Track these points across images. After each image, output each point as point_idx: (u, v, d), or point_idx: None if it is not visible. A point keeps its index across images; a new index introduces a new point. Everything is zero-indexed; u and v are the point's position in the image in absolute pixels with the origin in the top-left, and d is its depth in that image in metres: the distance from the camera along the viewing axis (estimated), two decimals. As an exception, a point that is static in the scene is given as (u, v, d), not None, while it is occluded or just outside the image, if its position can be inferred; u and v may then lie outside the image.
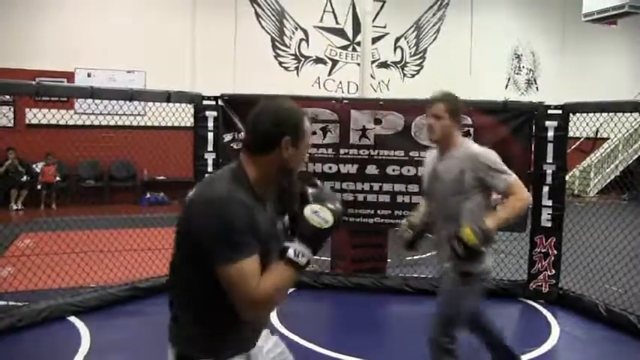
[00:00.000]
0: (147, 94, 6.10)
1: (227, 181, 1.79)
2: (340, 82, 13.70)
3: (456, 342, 3.29)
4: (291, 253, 1.76)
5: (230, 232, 1.69)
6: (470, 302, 3.33)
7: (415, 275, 6.32)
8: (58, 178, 11.27)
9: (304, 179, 1.93)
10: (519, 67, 16.32)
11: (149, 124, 6.46)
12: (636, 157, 16.05)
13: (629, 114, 5.52)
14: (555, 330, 5.07)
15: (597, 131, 6.78)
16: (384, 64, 14.25)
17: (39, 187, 11.12)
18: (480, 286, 3.32)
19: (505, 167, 3.17)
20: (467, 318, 3.37)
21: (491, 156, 3.19)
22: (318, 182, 1.91)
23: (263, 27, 13.14)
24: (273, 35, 13.26)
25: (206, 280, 1.75)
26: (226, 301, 1.75)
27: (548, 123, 5.66)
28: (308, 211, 1.79)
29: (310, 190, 1.84)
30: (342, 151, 5.83)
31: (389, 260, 6.48)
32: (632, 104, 5.42)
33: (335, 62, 13.76)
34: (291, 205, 1.89)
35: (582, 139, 9.85)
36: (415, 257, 7.24)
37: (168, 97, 5.63)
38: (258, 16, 13.05)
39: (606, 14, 13.79)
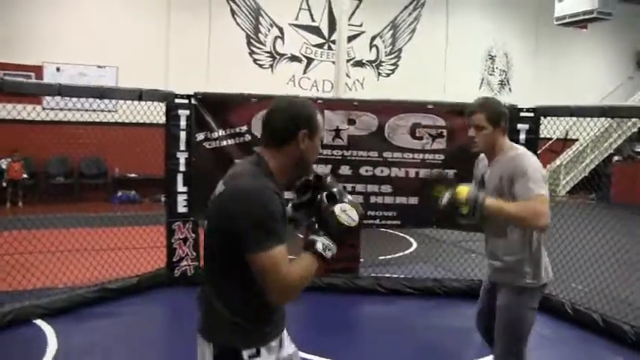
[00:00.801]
0: (118, 92, 6.03)
1: (256, 173, 1.91)
2: (315, 81, 13.67)
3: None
4: (319, 247, 1.91)
5: (267, 220, 1.81)
6: (529, 318, 3.08)
7: (387, 275, 6.34)
8: (25, 175, 11.04)
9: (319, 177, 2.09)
10: (493, 68, 16.46)
11: (120, 120, 6.36)
12: (603, 158, 16.37)
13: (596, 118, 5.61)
14: (526, 330, 5.12)
15: (567, 133, 6.85)
16: (359, 63, 14.24)
17: (4, 184, 10.88)
18: (535, 300, 3.09)
19: (541, 181, 2.89)
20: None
21: (532, 162, 2.96)
22: (336, 182, 2.07)
23: (238, 24, 13.04)
24: (249, 32, 13.18)
25: (244, 268, 1.86)
26: (262, 291, 1.87)
27: (520, 126, 5.71)
28: (338, 209, 1.94)
29: (336, 189, 2.00)
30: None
31: (361, 260, 6.48)
32: (600, 109, 5.51)
33: (310, 60, 13.72)
34: (308, 195, 2.08)
35: (553, 140, 9.95)
36: (387, 257, 7.28)
37: (140, 95, 5.53)
38: (233, 12, 12.95)
39: (577, 18, 14.03)
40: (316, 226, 2.01)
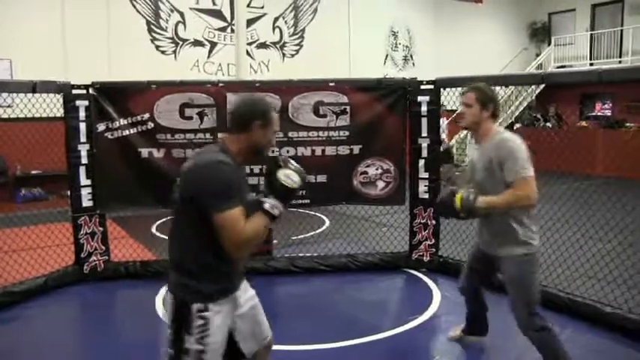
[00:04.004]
0: (10, 84, 5.77)
1: (216, 152, 2.39)
2: (220, 64, 13.46)
3: (543, 318, 3.46)
4: (267, 206, 2.36)
5: (224, 187, 2.26)
6: (536, 279, 3.50)
7: (301, 255, 6.40)
8: None
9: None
10: (396, 44, 16.75)
11: (21, 115, 6.06)
12: (506, 126, 17.07)
13: (497, 88, 5.83)
14: (437, 296, 5.31)
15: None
16: (263, 45, 14.14)
17: None
18: (537, 262, 3.51)
19: (527, 162, 3.28)
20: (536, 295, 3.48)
21: (516, 143, 3.33)
22: (287, 158, 2.56)
23: (138, 10, 12.64)
24: (149, 18, 12.80)
25: (204, 230, 2.29)
26: (219, 249, 2.30)
27: (420, 98, 5.87)
28: (281, 174, 2.39)
29: (281, 158, 2.50)
30: (220, 135, 5.74)
31: (274, 242, 6.51)
32: (497, 78, 5.76)
33: (214, 44, 13.49)
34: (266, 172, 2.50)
35: (458, 111, 10.29)
36: (301, 237, 7.33)
37: (33, 87, 5.26)
38: (130, -2, 12.55)
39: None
40: (266, 190, 2.45)
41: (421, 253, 6.07)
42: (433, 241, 6.03)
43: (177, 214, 2.46)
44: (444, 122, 8.84)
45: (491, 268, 3.78)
